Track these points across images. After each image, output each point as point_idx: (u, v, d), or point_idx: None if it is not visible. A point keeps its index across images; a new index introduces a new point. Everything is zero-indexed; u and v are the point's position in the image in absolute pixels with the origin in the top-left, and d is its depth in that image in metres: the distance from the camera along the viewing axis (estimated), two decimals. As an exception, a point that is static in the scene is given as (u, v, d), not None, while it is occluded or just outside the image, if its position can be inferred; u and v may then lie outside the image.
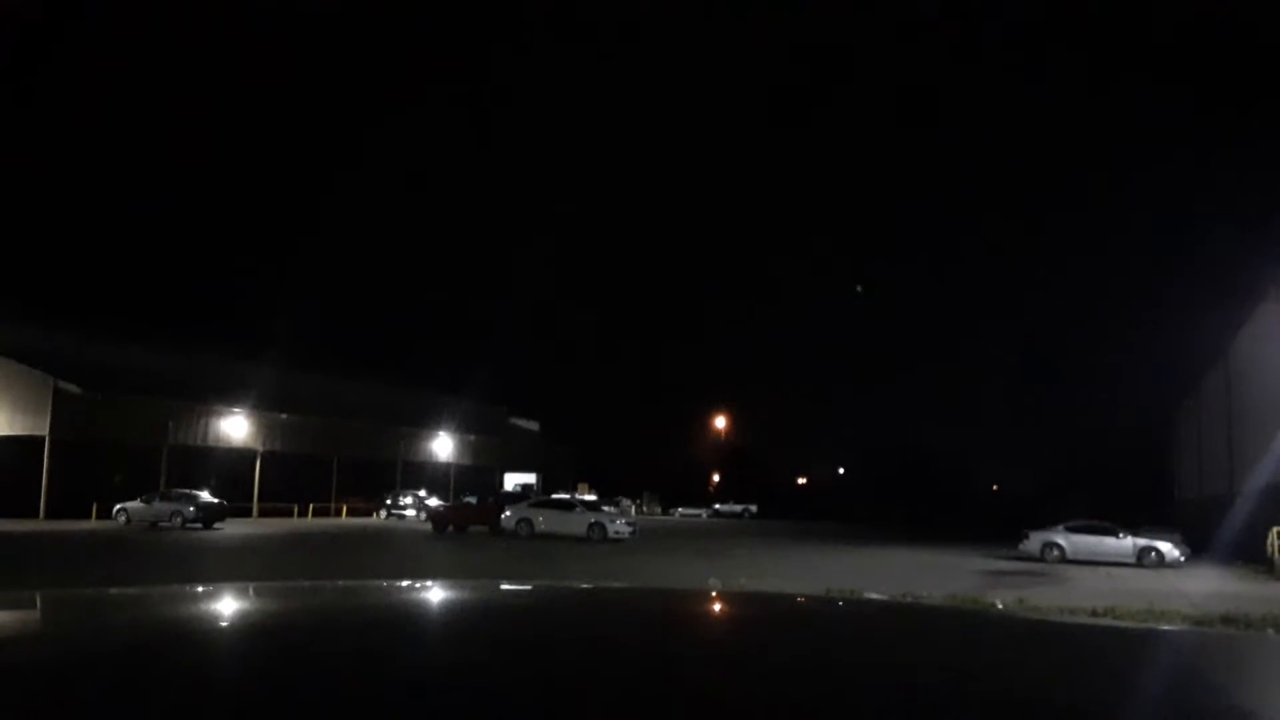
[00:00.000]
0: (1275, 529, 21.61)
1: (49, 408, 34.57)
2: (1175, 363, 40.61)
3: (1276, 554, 21.00)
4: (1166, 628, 2.61)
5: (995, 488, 79.23)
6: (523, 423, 64.12)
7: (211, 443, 40.43)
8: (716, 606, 1.93)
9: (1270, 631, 8.60)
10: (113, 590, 2.37)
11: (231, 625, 1.59)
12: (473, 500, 34.48)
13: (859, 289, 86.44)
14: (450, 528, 30.43)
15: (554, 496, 31.33)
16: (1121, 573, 20.01)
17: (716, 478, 75.15)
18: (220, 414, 40.65)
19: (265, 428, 42.11)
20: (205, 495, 32.08)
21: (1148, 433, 49.36)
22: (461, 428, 52.84)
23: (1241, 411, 30.14)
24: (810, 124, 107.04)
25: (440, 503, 37.83)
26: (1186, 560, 22.88)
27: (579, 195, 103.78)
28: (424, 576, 2.11)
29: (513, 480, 52.70)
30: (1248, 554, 23.08)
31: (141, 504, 31.14)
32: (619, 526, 26.94)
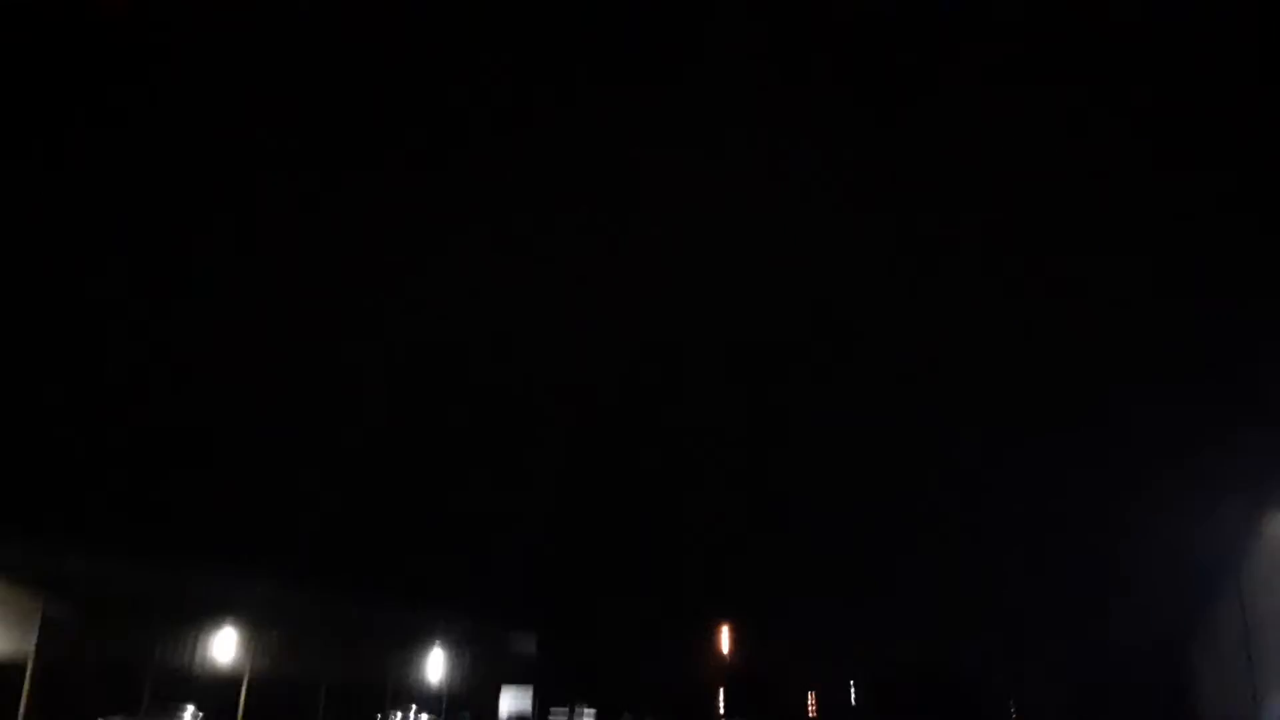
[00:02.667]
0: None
1: (35, 629, 33.82)
2: (1189, 582, 39.86)
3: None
4: None
5: (1012, 709, 75.93)
6: (519, 636, 62.41)
7: (197, 664, 39.30)
8: None
9: None
10: None
11: None
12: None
13: None
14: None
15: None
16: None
17: (722, 699, 72.36)
18: (206, 633, 39.74)
19: (252, 647, 41.04)
20: (189, 717, 31.01)
21: (1166, 649, 47.86)
22: (455, 644, 51.40)
23: (1258, 632, 29.44)
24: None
25: None
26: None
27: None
28: None
29: (508, 699, 50.86)
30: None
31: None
32: None
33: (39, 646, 33.62)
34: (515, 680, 53.38)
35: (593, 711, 48.13)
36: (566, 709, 39.54)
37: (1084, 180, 30.34)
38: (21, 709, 32.76)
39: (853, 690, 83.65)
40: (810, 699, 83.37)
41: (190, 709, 31.56)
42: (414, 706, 43.28)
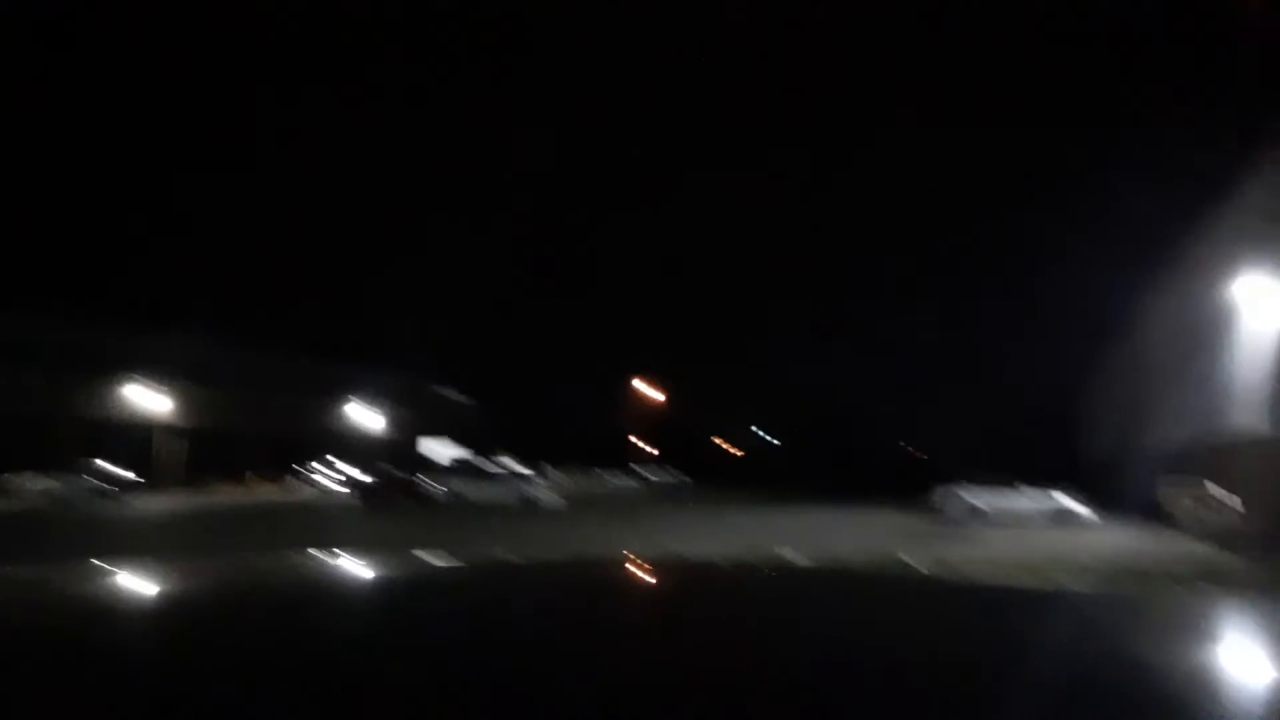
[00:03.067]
0: (1173, 483, 22.59)
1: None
2: (1082, 320, 41.87)
3: (1180, 510, 21.93)
4: (1081, 588, 2.81)
5: (905, 444, 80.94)
6: (442, 388, 63.42)
7: (122, 417, 39.06)
8: (647, 577, 1.98)
9: (1175, 587, 8.97)
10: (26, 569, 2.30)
11: (159, 601, 1.58)
12: (403, 474, 33.80)
13: None
14: (381, 501, 29.81)
15: (485, 469, 30.78)
16: (1030, 531, 20.72)
17: (643, 445, 75.61)
18: (127, 385, 39.23)
19: (177, 399, 40.83)
20: (112, 468, 31.12)
21: (1054, 391, 50.91)
22: (380, 395, 52.03)
23: (1147, 372, 31.26)
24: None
25: (370, 477, 36.93)
26: (1092, 516, 23.73)
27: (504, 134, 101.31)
28: (357, 549, 2.07)
29: (433, 448, 52.18)
30: (1153, 511, 24.02)
31: (43, 479, 29.94)
32: (551, 498, 27.15)
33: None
34: (442, 431, 54.69)
35: (514, 458, 49.68)
36: (488, 456, 40.57)
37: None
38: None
39: (764, 432, 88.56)
40: (725, 442, 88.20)
41: (99, 461, 31.40)
42: (343, 455, 44.17)
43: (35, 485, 29.48)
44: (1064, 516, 23.21)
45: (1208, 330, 23.05)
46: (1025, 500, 23.79)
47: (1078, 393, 45.56)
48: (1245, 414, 19.71)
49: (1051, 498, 23.83)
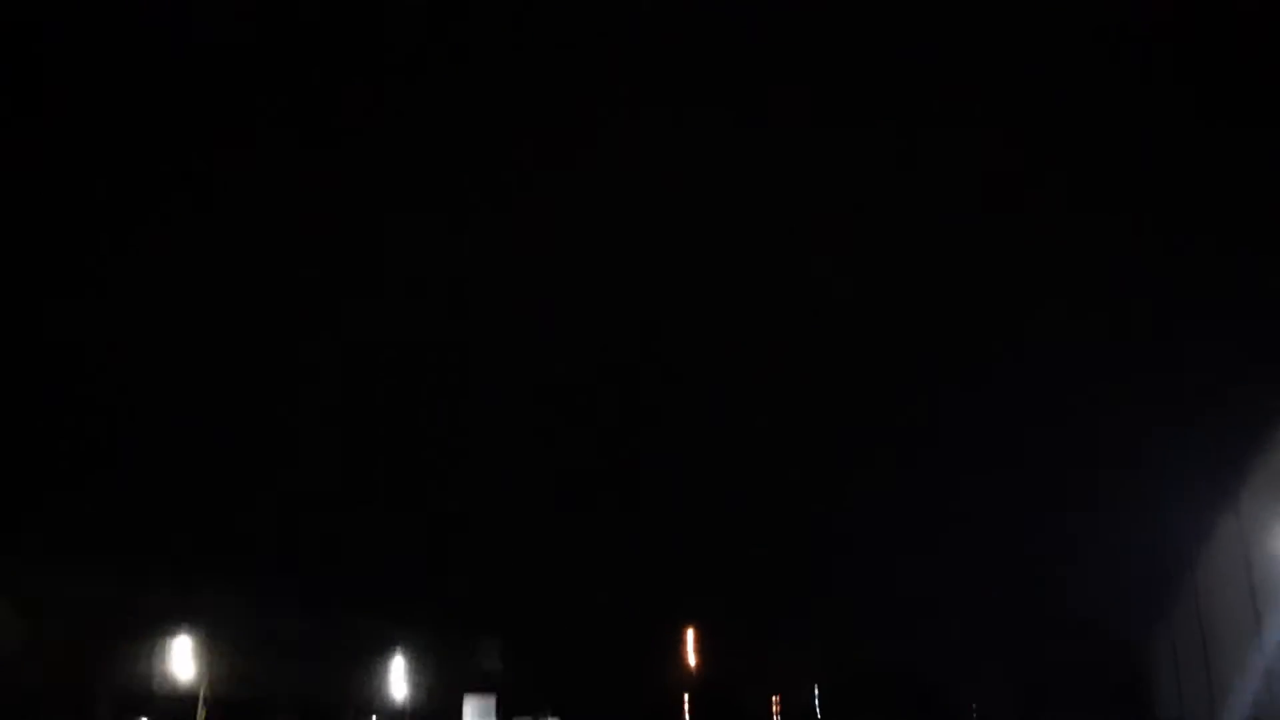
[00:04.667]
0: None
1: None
2: (1147, 578, 40.40)
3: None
4: None
5: (974, 709, 76.61)
6: (482, 644, 61.94)
7: (154, 683, 38.38)
8: None
9: None
10: None
11: None
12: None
13: None
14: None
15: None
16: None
17: (687, 706, 72.34)
18: (162, 646, 38.83)
19: (211, 665, 40.17)
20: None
21: (1124, 649, 48.51)
22: (418, 654, 50.85)
23: (1215, 624, 29.85)
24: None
25: None
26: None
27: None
28: None
29: (471, 708, 50.44)
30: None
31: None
32: None
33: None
34: (478, 689, 52.95)
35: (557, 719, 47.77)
36: (530, 717, 39.24)
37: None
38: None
39: (816, 693, 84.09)
40: (774, 703, 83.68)
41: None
42: (374, 718, 42.66)
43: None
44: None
45: None
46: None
47: (1144, 651, 43.47)
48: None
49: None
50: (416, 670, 51.10)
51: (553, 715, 51.41)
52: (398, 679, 49.90)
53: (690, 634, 74.49)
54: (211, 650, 39.88)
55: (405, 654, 49.90)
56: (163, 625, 38.48)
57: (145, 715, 32.69)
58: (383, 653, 49.16)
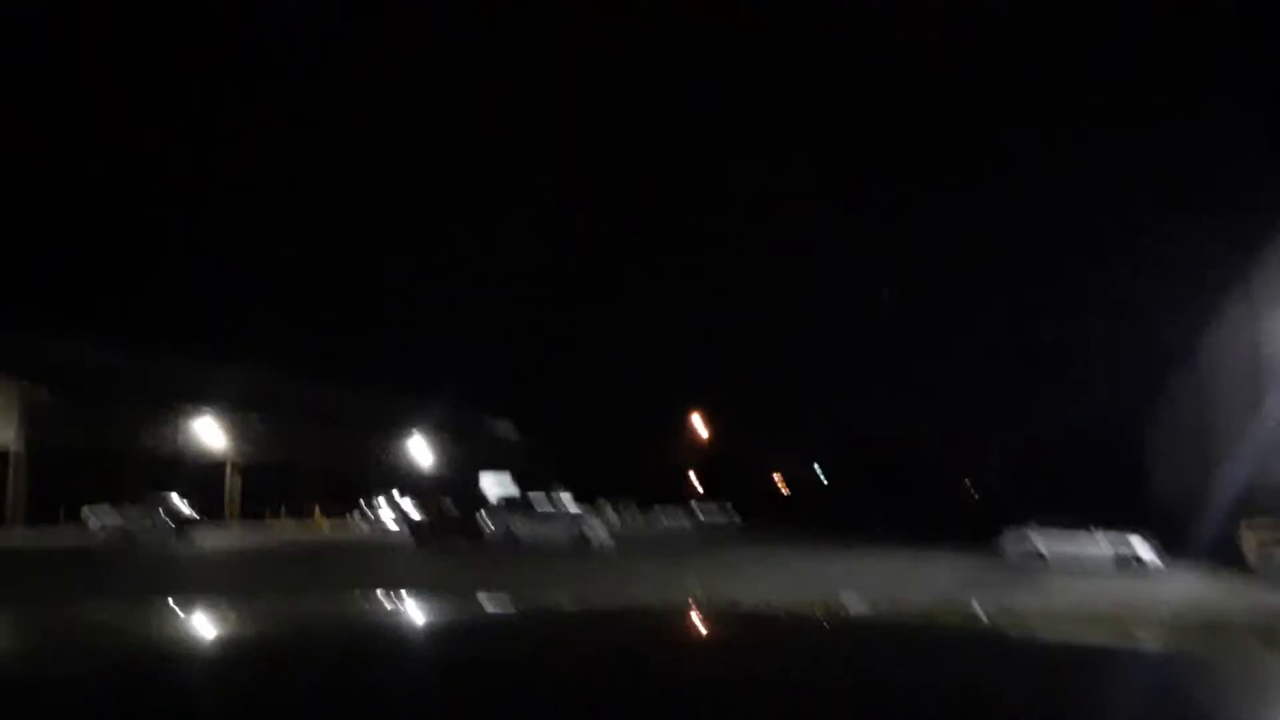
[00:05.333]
0: (1244, 523, 21.85)
1: (16, 415, 33.95)
2: (1146, 361, 40.94)
3: (1251, 553, 21.22)
4: (1151, 646, 2.68)
5: (968, 483, 79.72)
6: (498, 422, 63.90)
7: (184, 450, 39.90)
8: (704, 627, 1.94)
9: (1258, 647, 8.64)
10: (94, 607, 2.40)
11: (214, 643, 1.63)
12: (453, 510, 34.18)
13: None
14: (432, 538, 30.07)
15: (537, 507, 30.82)
16: (1101, 576, 20.16)
17: (696, 482, 75.15)
18: (193, 420, 40.12)
19: (239, 434, 41.62)
20: (177, 503, 31.76)
21: (1119, 430, 49.75)
22: (436, 430, 52.52)
23: (1214, 410, 30.46)
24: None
25: (421, 513, 37.33)
26: (1163, 562, 23.02)
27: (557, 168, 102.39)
28: (408, 589, 2.13)
29: (488, 483, 52.47)
30: (1222, 554, 23.28)
31: (112, 513, 30.61)
32: (604, 538, 27.06)
33: (21, 434, 33.88)
34: (495, 466, 55.01)
35: (569, 494, 49.64)
36: (544, 492, 40.59)
37: None
38: (9, 496, 33.33)
39: (818, 467, 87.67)
40: (778, 478, 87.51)
41: (174, 495, 32.18)
42: (396, 490, 44.62)
43: (106, 519, 30.20)
44: (1132, 563, 22.52)
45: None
46: (1091, 545, 23.13)
47: (1148, 431, 44.56)
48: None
49: (1124, 542, 23.11)
50: (435, 447, 52.99)
51: (565, 490, 53.64)
52: (419, 454, 51.85)
53: (696, 415, 76.73)
54: (240, 421, 41.36)
55: (424, 432, 51.60)
56: (193, 400, 39.67)
57: (174, 487, 34.08)
58: (403, 430, 50.83)
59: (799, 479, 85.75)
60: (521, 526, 27.33)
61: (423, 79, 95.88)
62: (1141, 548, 22.91)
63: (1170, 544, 25.38)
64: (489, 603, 2.14)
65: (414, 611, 2.07)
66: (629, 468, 71.54)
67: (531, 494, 34.59)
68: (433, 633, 1.83)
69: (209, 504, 35.61)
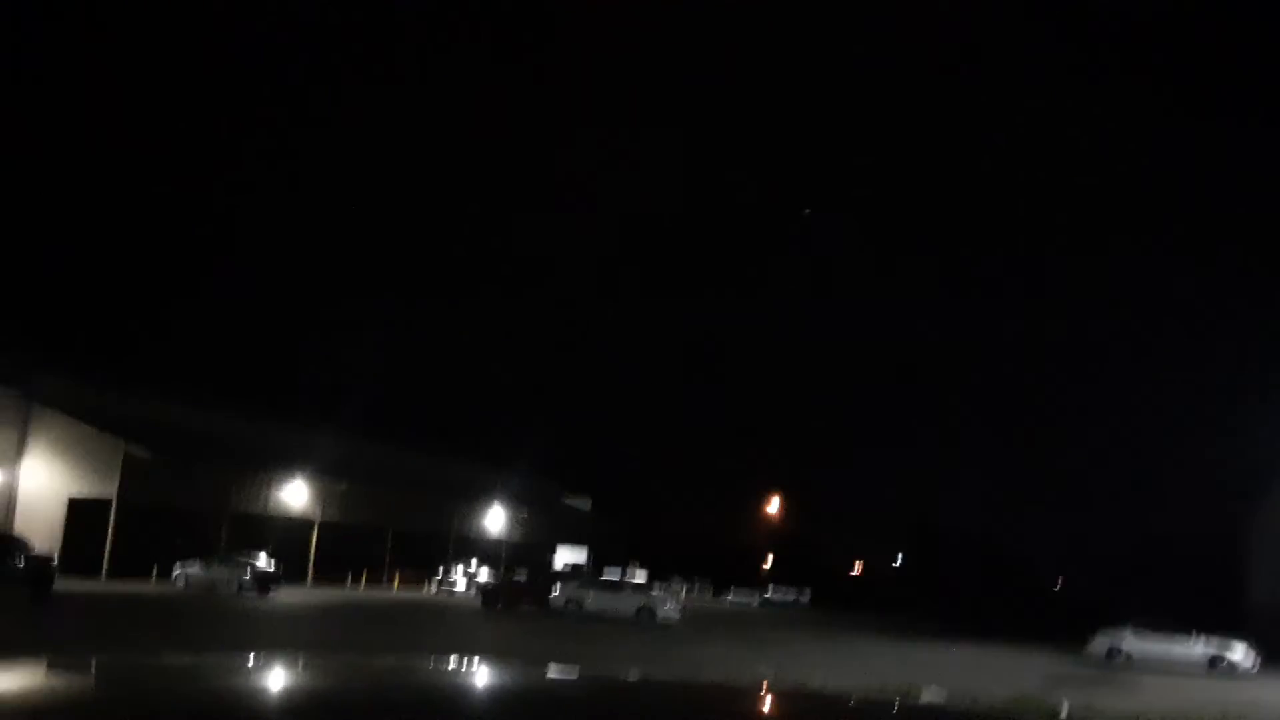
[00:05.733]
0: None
1: (118, 472, 35.40)
2: (1245, 461, 39.39)
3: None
4: None
5: (1059, 583, 76.66)
6: (574, 499, 64.08)
7: (270, 510, 41.01)
8: (766, 706, 1.86)
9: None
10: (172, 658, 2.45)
11: (280, 698, 1.66)
12: (523, 578, 34.42)
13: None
14: (500, 604, 30.27)
15: (604, 578, 30.95)
16: (1190, 680, 19.19)
17: (769, 564, 73.90)
18: (279, 481, 41.28)
19: (322, 496, 42.63)
20: (262, 561, 32.66)
21: (1217, 533, 47.72)
22: (513, 501, 52.92)
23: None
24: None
25: (491, 579, 37.69)
26: (1259, 667, 21.87)
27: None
28: (472, 654, 2.20)
29: (563, 556, 52.48)
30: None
31: (200, 568, 31.62)
32: (668, 611, 26.78)
33: (121, 488, 35.27)
34: (570, 540, 55.07)
35: (644, 571, 49.41)
36: (620, 567, 40.76)
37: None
38: (107, 546, 34.63)
39: (900, 557, 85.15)
40: (857, 564, 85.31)
41: (263, 554, 33.16)
42: (474, 558, 44.95)
43: (195, 573, 31.21)
44: (1224, 664, 21.38)
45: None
46: (1183, 647, 22.07)
47: (1249, 533, 42.60)
48: None
49: (1220, 645, 21.98)
50: (513, 518, 53.31)
51: (640, 567, 53.32)
52: (496, 524, 52.20)
53: (776, 498, 75.72)
54: (324, 484, 42.37)
55: (503, 503, 51.99)
56: (281, 462, 40.87)
57: (262, 547, 35.05)
58: (483, 500, 51.31)
59: (877, 566, 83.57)
60: (586, 596, 27.29)
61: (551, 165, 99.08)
62: (1238, 651, 21.77)
63: (1272, 650, 24.08)
64: (547, 670, 2.15)
65: (465, 675, 2.08)
66: (704, 548, 70.83)
67: (606, 568, 34.65)
68: (489, 698, 1.82)
69: (291, 564, 36.37)
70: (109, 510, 34.92)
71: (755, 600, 61.51)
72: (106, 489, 35.35)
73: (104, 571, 33.69)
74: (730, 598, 63.14)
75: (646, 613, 26.07)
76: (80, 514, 34.87)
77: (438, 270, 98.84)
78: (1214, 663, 21.48)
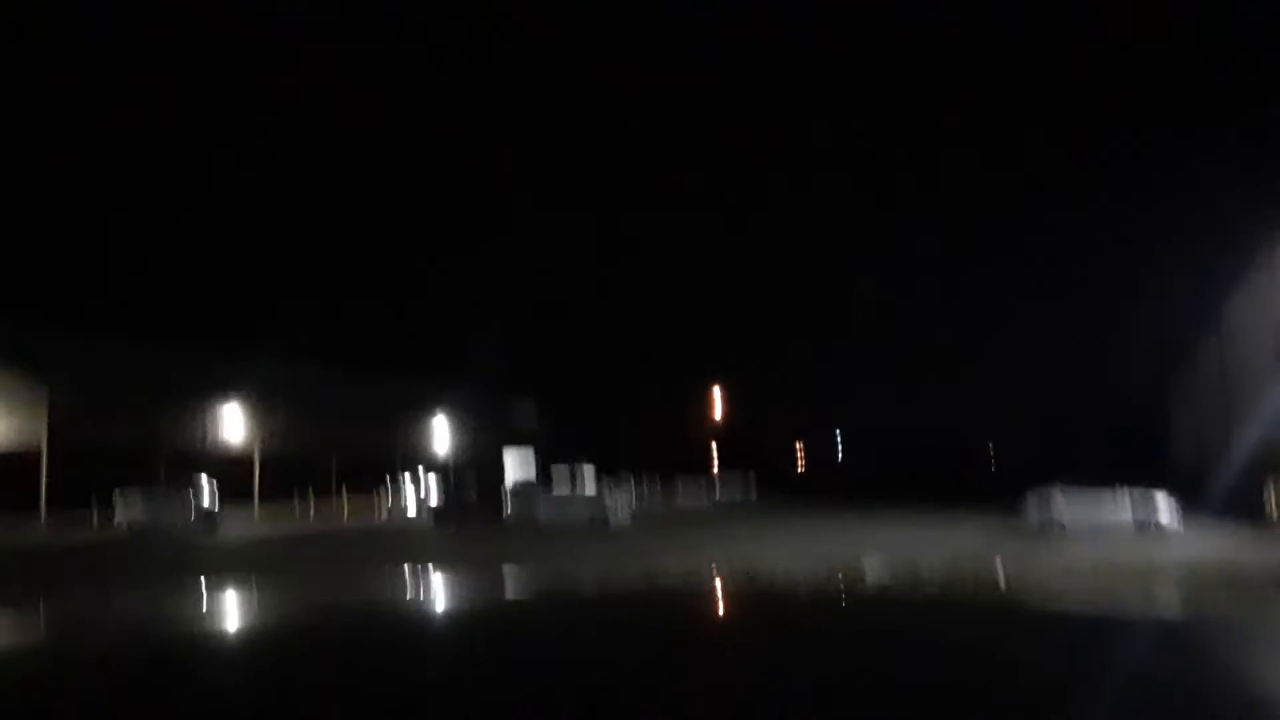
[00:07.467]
0: (1269, 479, 21.73)
1: (45, 413, 34.37)
2: (1168, 324, 40.63)
3: (1275, 508, 21.11)
4: (1174, 613, 2.65)
5: (990, 448, 79.23)
6: (521, 400, 64.21)
7: (209, 441, 40.34)
8: (720, 601, 1.93)
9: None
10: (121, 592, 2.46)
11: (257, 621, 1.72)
12: (473, 493, 34.49)
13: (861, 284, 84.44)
14: (453, 526, 30.17)
15: (555, 493, 30.91)
16: (1122, 536, 20.11)
17: (715, 457, 75.20)
18: (217, 411, 40.54)
19: (263, 425, 42.03)
20: (206, 490, 31.95)
21: (1141, 390, 49.51)
22: (459, 412, 52.84)
23: (1236, 371, 30.26)
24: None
25: (441, 500, 37.48)
26: (1181, 517, 22.81)
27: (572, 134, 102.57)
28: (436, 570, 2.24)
29: (511, 459, 52.81)
30: (1246, 509, 23.20)
31: (143, 499, 30.56)
32: (621, 516, 27.34)
33: (50, 433, 34.29)
34: (518, 442, 55.28)
35: (592, 467, 49.80)
36: (567, 466, 40.99)
37: None
38: (42, 492, 33.81)
39: (838, 441, 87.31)
40: (798, 450, 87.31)
41: (204, 476, 32.41)
42: (421, 469, 44.92)
43: (134, 505, 30.44)
44: (1152, 525, 22.35)
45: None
46: (1112, 508, 22.98)
47: (1174, 390, 44.27)
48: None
49: (1152, 501, 22.89)
50: (458, 428, 53.31)
51: (587, 463, 53.78)
52: (441, 435, 52.18)
53: (717, 389, 76.66)
54: (262, 411, 41.75)
55: (448, 412, 51.88)
56: (217, 390, 40.07)
57: (203, 472, 34.44)
58: (427, 410, 51.13)
59: (819, 452, 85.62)
60: (539, 509, 27.58)
61: (439, 73, 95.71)
62: (1163, 511, 22.63)
63: (1194, 501, 25.26)
64: (503, 585, 2.15)
65: (429, 593, 2.09)
66: (651, 443, 71.58)
67: (554, 467, 34.63)
68: (447, 616, 1.86)
69: (238, 497, 36.01)
70: (39, 458, 33.97)
71: (705, 503, 62.26)
72: (35, 433, 34.36)
73: (36, 512, 32.92)
74: (686, 491, 63.86)
75: (599, 522, 26.50)
76: (8, 459, 33.90)
77: (376, 181, 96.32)
78: (1141, 526, 22.38)
